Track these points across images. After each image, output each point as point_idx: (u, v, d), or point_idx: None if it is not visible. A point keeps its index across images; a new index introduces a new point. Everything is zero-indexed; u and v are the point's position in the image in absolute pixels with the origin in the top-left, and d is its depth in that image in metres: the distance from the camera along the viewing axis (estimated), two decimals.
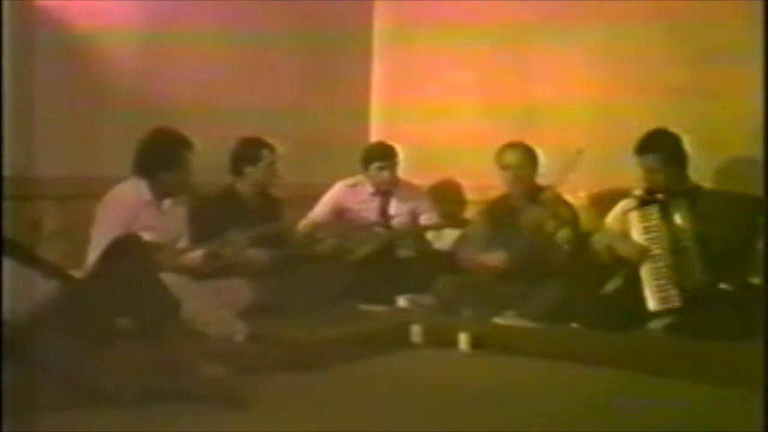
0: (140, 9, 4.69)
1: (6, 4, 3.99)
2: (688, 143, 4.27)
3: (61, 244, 4.06)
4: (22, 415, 2.90)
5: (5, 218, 3.61)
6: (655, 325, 4.11)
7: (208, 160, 4.29)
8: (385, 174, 5.11)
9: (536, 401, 3.52)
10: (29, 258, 3.34)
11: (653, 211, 4.21)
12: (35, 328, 3.15)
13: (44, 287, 3.29)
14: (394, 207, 5.19)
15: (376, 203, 5.20)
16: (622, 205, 4.39)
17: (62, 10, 4.37)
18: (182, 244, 4.17)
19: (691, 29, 4.80)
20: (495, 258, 4.54)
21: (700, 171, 4.40)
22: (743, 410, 3.09)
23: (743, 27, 4.52)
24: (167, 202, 4.14)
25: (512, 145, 4.74)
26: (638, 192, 4.33)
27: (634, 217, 4.25)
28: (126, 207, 3.96)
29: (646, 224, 4.20)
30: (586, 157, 4.38)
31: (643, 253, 4.15)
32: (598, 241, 4.34)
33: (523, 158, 4.70)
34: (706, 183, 4.44)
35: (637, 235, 4.21)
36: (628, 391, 3.66)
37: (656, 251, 4.15)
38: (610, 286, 4.34)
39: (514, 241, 4.52)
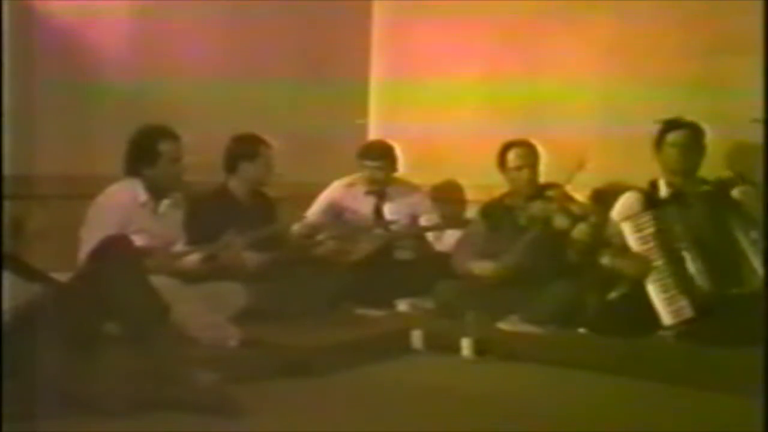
0: (137, 6, 4.67)
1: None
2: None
3: (44, 245, 3.99)
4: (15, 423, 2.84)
5: None
6: (667, 330, 4.01)
7: (203, 158, 4.29)
8: (375, 173, 5.05)
9: (542, 410, 3.42)
10: (9, 261, 3.26)
11: (645, 219, 4.12)
12: (18, 333, 3.05)
13: (26, 291, 3.21)
14: (388, 207, 5.13)
15: (370, 203, 5.14)
16: (622, 201, 4.27)
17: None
18: (178, 247, 4.14)
19: (704, 21, 4.74)
20: (484, 267, 4.47)
21: (713, 164, 4.35)
22: (755, 419, 2.96)
23: (756, 18, 4.41)
24: (164, 204, 4.12)
25: (514, 144, 4.68)
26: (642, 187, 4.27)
27: (626, 227, 4.16)
28: (119, 208, 3.95)
29: (639, 234, 4.11)
30: (594, 153, 4.32)
31: (647, 267, 4.05)
32: (601, 258, 4.25)
33: (527, 156, 4.65)
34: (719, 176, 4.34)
35: (633, 246, 4.12)
36: (638, 399, 3.58)
37: (657, 262, 4.06)
38: (619, 289, 4.23)
39: (516, 240, 4.44)
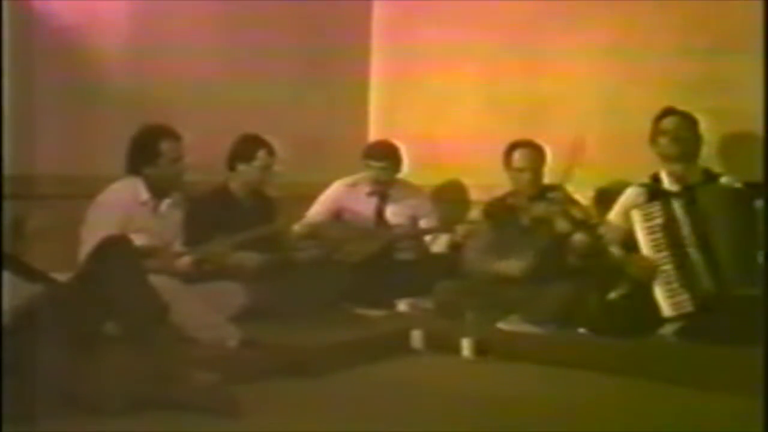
0: (137, 6, 4.67)
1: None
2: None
3: (44, 245, 3.95)
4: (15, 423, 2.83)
5: None
6: (666, 330, 4.01)
7: (203, 158, 4.30)
8: (379, 174, 5.03)
9: (542, 410, 3.41)
10: (9, 261, 3.26)
11: (655, 209, 4.10)
12: (18, 333, 3.04)
13: (25, 291, 3.20)
14: (390, 208, 5.12)
15: (372, 204, 5.12)
16: (626, 195, 4.31)
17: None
18: (176, 247, 4.14)
19: (704, 21, 4.73)
20: (509, 266, 4.47)
21: (713, 164, 4.36)
22: (755, 419, 2.98)
23: (756, 19, 4.42)
24: (165, 204, 4.13)
25: (521, 145, 4.68)
26: (645, 180, 4.27)
27: (636, 215, 4.13)
28: (121, 206, 3.96)
29: (649, 224, 4.09)
30: (595, 154, 4.33)
31: (654, 272, 4.03)
32: (611, 257, 4.25)
33: (532, 158, 4.65)
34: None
35: (641, 236, 4.10)
36: (638, 399, 3.57)
37: (663, 253, 4.04)
38: (619, 289, 4.21)
39: (520, 241, 4.45)
